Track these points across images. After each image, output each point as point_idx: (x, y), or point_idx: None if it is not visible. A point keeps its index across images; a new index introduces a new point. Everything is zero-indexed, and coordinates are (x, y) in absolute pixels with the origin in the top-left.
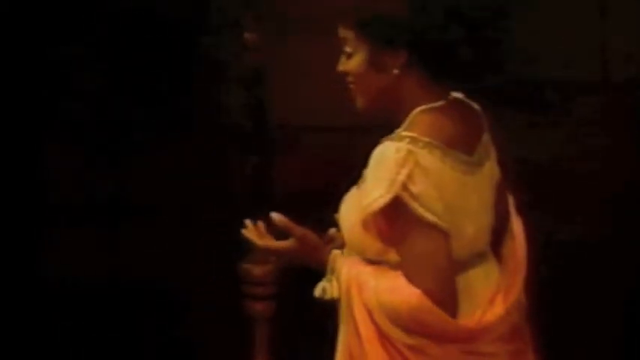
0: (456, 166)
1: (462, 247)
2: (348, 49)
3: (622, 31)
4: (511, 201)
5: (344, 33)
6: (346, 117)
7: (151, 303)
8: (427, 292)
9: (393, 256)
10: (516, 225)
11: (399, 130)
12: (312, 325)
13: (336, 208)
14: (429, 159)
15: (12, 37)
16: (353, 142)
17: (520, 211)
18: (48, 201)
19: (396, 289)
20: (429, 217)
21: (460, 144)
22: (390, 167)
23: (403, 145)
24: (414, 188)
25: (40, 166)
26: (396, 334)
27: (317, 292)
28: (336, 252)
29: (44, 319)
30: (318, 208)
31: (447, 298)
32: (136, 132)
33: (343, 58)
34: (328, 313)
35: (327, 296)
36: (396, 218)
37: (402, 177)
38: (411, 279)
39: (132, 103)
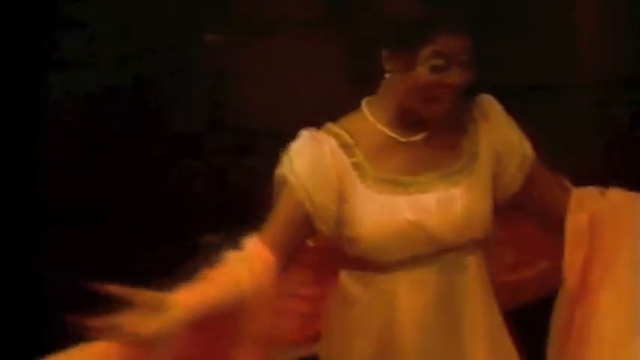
0: None
1: None
2: (467, 57)
3: None
4: None
5: (463, 42)
6: (303, 122)
7: None
8: None
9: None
10: None
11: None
12: None
13: None
14: None
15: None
16: None
17: None
18: (48, 201)
19: None
20: None
21: None
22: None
23: None
24: None
25: (40, 166)
26: None
27: None
28: None
29: (45, 317)
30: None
31: None
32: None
33: (454, 69)
34: None
35: None
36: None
37: None
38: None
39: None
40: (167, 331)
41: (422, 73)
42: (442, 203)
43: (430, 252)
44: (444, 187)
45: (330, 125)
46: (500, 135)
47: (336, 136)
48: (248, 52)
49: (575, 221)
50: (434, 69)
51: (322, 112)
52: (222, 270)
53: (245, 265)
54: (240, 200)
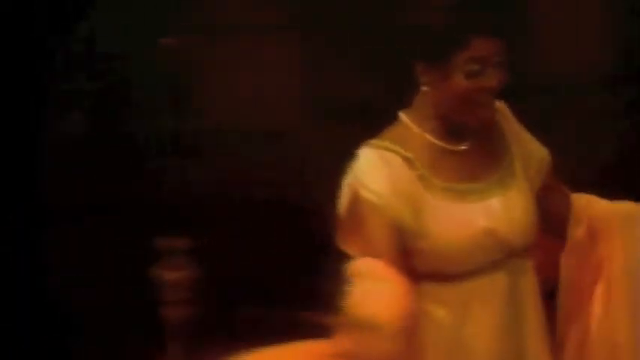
0: None
1: None
2: (500, 59)
3: None
4: None
5: (495, 44)
6: (262, 121)
7: None
8: None
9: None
10: None
11: None
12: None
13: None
14: None
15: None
16: (270, 146)
17: None
18: (48, 201)
19: None
20: None
21: None
22: None
23: None
24: None
25: (40, 166)
26: None
27: None
28: None
29: (45, 320)
30: (236, 212)
31: None
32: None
33: (489, 72)
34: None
35: None
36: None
37: None
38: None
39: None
40: (392, 349)
41: (458, 80)
42: (506, 208)
43: (498, 258)
44: (502, 191)
45: (376, 141)
46: (520, 138)
47: (394, 151)
48: (209, 54)
49: (576, 231)
50: (470, 74)
51: (283, 112)
52: (370, 296)
53: (389, 288)
54: (204, 201)
